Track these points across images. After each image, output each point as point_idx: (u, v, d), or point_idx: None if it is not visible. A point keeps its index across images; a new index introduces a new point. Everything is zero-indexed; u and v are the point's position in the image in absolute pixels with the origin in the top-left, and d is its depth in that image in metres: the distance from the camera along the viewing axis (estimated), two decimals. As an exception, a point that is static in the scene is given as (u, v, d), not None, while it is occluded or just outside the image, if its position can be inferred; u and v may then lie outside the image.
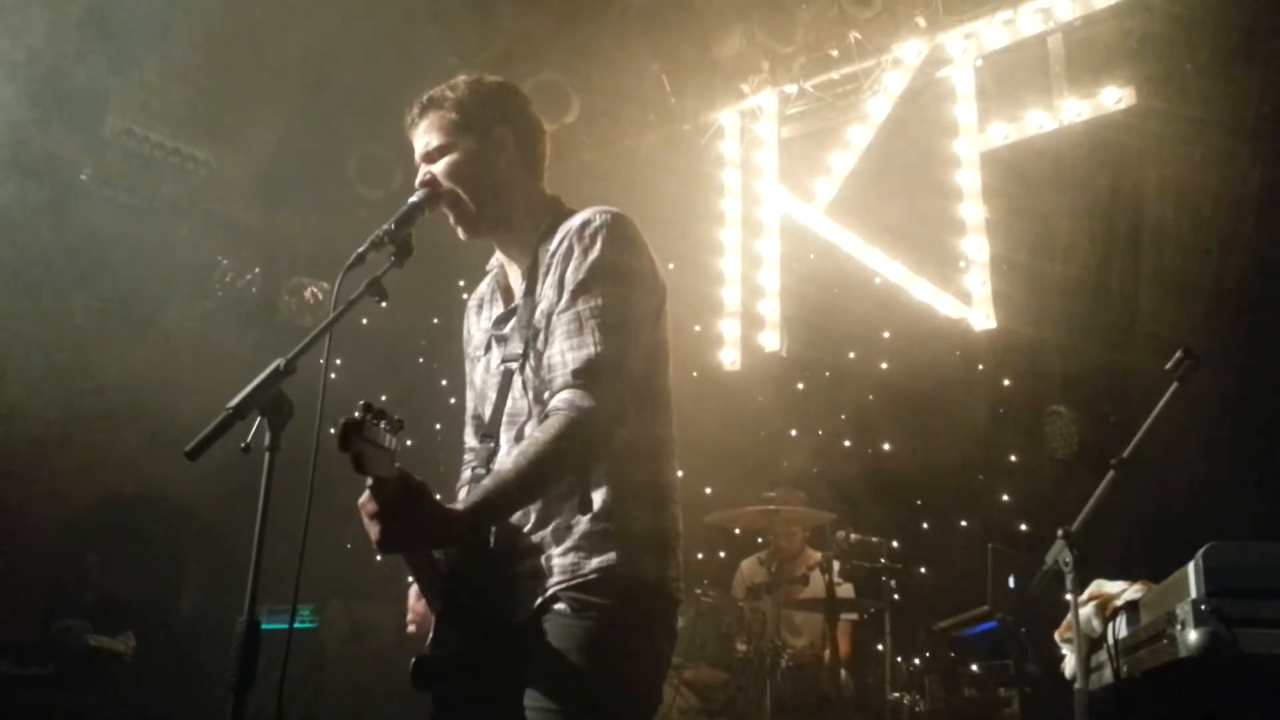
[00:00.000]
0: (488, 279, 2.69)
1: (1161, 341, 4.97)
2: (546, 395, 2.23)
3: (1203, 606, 2.32)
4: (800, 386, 7.24)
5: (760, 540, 6.23)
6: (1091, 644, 3.13)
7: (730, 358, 6.89)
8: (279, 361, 2.09)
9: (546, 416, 2.16)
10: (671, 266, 7.69)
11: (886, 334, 6.91)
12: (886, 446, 6.84)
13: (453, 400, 8.07)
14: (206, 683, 5.71)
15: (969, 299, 6.03)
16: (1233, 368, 4.77)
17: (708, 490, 7.02)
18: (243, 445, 2.01)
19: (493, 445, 2.39)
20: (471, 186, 2.48)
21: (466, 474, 2.63)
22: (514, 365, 2.37)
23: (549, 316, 2.31)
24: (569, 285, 2.29)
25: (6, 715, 5.53)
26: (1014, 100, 6.12)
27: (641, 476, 2.30)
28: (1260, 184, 5.14)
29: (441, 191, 2.48)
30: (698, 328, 7.18)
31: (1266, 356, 4.91)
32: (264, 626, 2.01)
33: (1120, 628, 3.00)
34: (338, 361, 2.32)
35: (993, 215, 6.06)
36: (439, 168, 2.49)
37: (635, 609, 2.21)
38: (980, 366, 6.36)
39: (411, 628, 2.51)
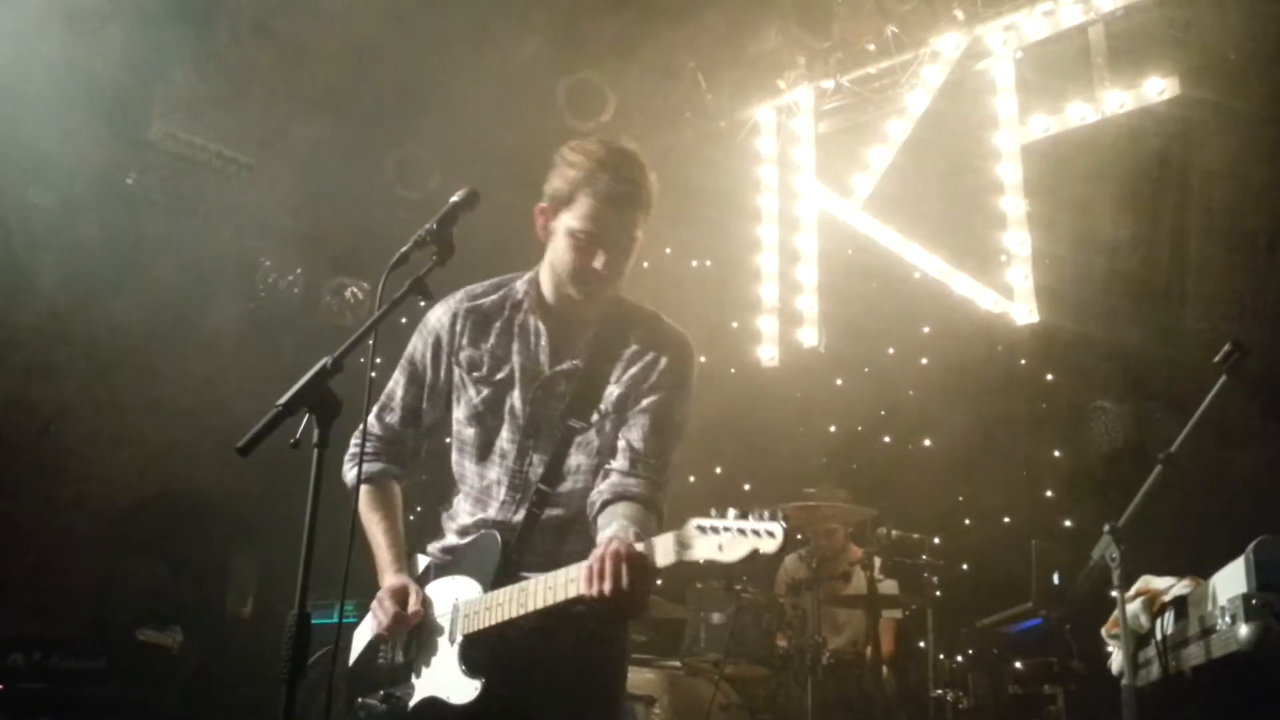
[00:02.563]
0: (493, 297, 2.79)
1: (1208, 335, 4.91)
2: (619, 463, 2.59)
3: (1254, 600, 2.31)
4: (839, 382, 7.22)
5: (800, 537, 6.21)
6: (1139, 640, 3.10)
7: (769, 354, 6.88)
8: (326, 360, 2.13)
9: (630, 495, 2.54)
10: (709, 263, 7.69)
11: (926, 329, 6.87)
12: (927, 442, 6.80)
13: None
14: (254, 676, 5.79)
15: (1011, 293, 5.97)
16: (1281, 359, 4.69)
17: (746, 486, 7.02)
18: (292, 441, 2.04)
19: (545, 490, 2.62)
20: (622, 278, 2.71)
21: (490, 506, 2.70)
22: (579, 427, 2.64)
23: (626, 399, 2.65)
24: (662, 388, 2.67)
25: (58, 708, 5.63)
26: (1055, 92, 6.05)
27: None
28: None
29: (609, 284, 2.66)
30: (736, 324, 7.17)
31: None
32: (312, 621, 2.04)
33: (1168, 623, 2.97)
34: (378, 360, 2.36)
35: (1034, 208, 5.99)
36: (621, 261, 2.64)
37: (627, 630, 2.78)
38: (1023, 361, 6.30)
39: (384, 630, 2.63)
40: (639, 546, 2.23)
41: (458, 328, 2.77)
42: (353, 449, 2.83)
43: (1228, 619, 2.37)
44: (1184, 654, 2.78)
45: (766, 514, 2.10)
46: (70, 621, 6.68)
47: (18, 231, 6.51)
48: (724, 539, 2.11)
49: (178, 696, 6.07)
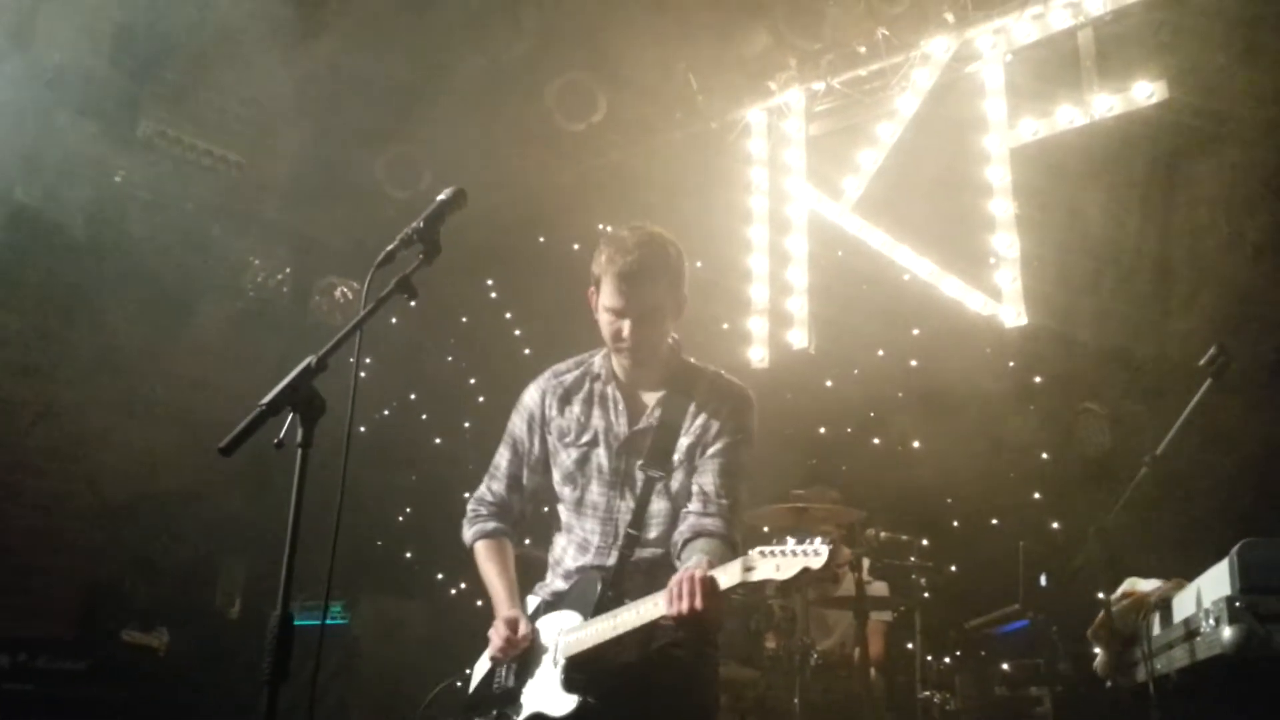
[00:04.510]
0: (575, 373, 3.21)
1: (1194, 338, 4.92)
2: (694, 506, 2.96)
3: (1237, 603, 2.31)
4: (829, 384, 7.21)
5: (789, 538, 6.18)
6: (1124, 642, 3.11)
7: (758, 355, 6.88)
8: (310, 359, 2.12)
9: (707, 532, 2.90)
10: (699, 264, 7.66)
11: (916, 331, 6.87)
12: (916, 444, 6.80)
13: (481, 399, 8.11)
14: (240, 678, 5.77)
15: (999, 295, 5.98)
16: (1266, 363, 4.72)
17: (736, 488, 7.00)
18: (276, 441, 2.03)
19: (633, 534, 2.99)
20: (657, 339, 3.04)
21: (575, 552, 3.10)
22: (657, 476, 3.01)
23: (695, 448, 3.01)
24: (726, 436, 3.03)
25: (43, 709, 5.61)
26: (1044, 95, 6.06)
27: None
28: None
29: (638, 348, 2.99)
30: (726, 325, 7.17)
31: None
32: (296, 622, 2.03)
33: (1153, 625, 2.98)
34: (367, 360, 2.35)
35: (1023, 211, 6.00)
36: (644, 327, 2.96)
37: (715, 652, 3.11)
38: (1011, 363, 6.31)
39: (496, 653, 3.02)
40: (708, 572, 2.62)
41: (546, 402, 3.20)
42: (470, 512, 3.30)
43: (1211, 621, 2.37)
44: (1169, 656, 2.78)
45: (817, 540, 2.52)
46: (55, 622, 6.64)
47: (4, 229, 6.47)
48: (780, 561, 2.53)
49: (163, 698, 6.05)
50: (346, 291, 8.07)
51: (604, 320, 3.02)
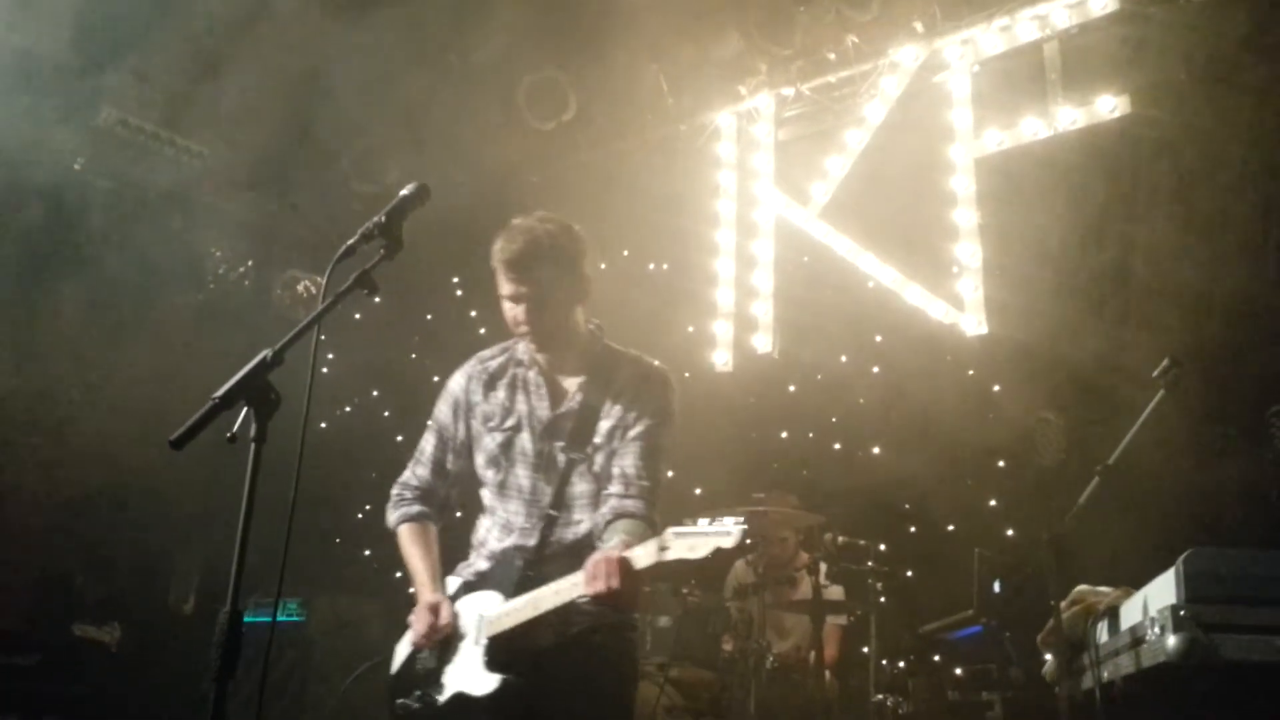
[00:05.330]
0: (499, 359, 3.25)
1: (1151, 349, 4.99)
2: (615, 488, 3.00)
3: (1182, 612, 2.35)
4: (792, 389, 7.25)
5: (749, 541, 6.22)
6: (1074, 649, 3.15)
7: (722, 359, 6.89)
8: (266, 352, 2.11)
9: (628, 513, 2.94)
10: (666, 266, 7.70)
11: (879, 338, 6.92)
12: (876, 450, 6.85)
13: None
14: (193, 674, 5.71)
15: (961, 304, 6.04)
16: (1219, 374, 4.80)
17: (697, 491, 7.02)
18: (228, 435, 2.01)
19: (554, 514, 3.05)
20: (556, 321, 3.07)
21: (500, 537, 3.11)
22: (578, 458, 3.06)
23: (616, 431, 3.05)
24: (647, 418, 3.07)
25: (-9, 703, 5.52)
26: (1009, 107, 6.13)
27: None
28: (1252, 193, 5.17)
29: (536, 331, 3.05)
30: (691, 328, 7.18)
31: (1251, 362, 4.95)
32: (249, 619, 2.02)
33: (1102, 633, 3.02)
34: (330, 356, 2.34)
35: (986, 221, 6.07)
36: (537, 310, 3.02)
37: (634, 635, 3.17)
38: (971, 372, 6.37)
39: (419, 639, 3.03)
40: (625, 553, 2.68)
41: (471, 387, 3.24)
42: (394, 496, 3.31)
43: (1157, 630, 2.41)
44: (1116, 663, 2.82)
45: (729, 518, 2.58)
46: (6, 615, 6.53)
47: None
48: (694, 540, 2.59)
49: (115, 693, 5.97)
50: (310, 285, 8.00)
51: (504, 308, 3.08)
